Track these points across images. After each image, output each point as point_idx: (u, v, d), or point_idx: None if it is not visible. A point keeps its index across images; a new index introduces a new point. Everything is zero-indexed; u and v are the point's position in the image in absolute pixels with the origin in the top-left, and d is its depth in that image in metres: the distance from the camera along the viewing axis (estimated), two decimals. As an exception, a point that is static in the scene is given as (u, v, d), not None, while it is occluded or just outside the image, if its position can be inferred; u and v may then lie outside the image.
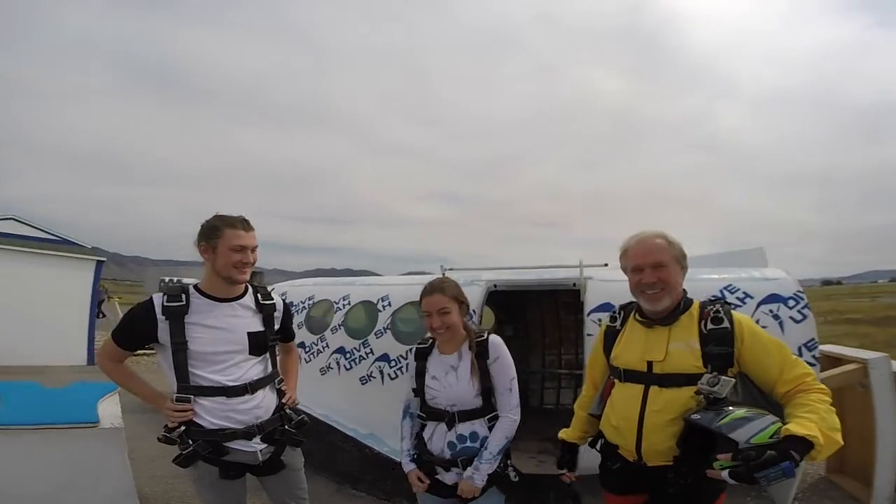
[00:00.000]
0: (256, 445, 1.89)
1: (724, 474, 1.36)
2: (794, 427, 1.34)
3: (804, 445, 1.30)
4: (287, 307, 2.17)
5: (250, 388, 1.88)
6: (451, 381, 1.95)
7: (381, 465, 3.53)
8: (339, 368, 4.13)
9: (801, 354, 2.82)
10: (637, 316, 1.81)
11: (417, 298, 3.94)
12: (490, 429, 1.94)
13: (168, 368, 1.85)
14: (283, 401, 2.03)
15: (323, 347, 4.31)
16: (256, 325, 1.96)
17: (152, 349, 1.89)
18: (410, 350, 2.09)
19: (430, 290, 1.99)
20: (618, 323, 1.90)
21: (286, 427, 1.98)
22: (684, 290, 1.76)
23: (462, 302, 2.02)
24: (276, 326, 2.07)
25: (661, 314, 1.72)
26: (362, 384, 3.93)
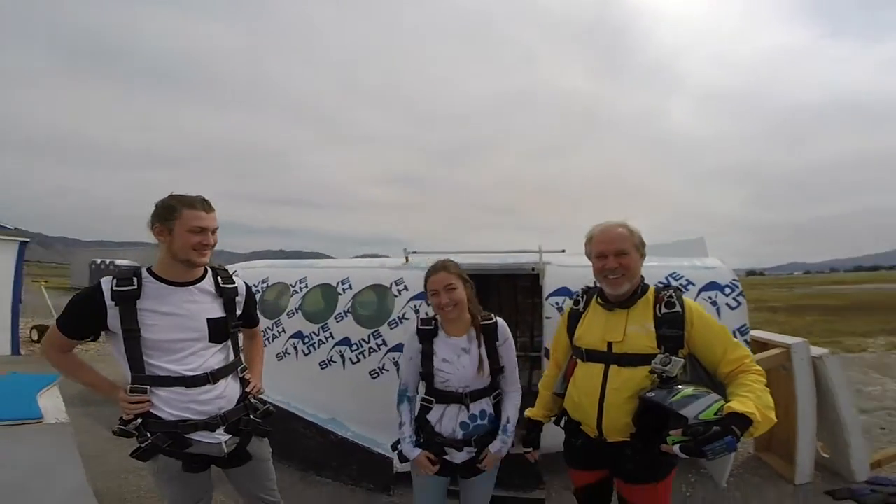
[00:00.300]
0: (220, 437, 1.82)
1: (676, 448, 1.49)
2: (735, 405, 1.49)
3: (744, 421, 1.45)
4: (250, 291, 2.06)
5: (212, 377, 1.79)
6: (465, 363, 1.97)
7: (345, 450, 3.52)
8: (296, 354, 4.04)
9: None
10: (599, 299, 1.93)
11: (378, 282, 3.94)
12: (494, 406, 2.04)
13: (121, 358, 1.73)
14: (248, 390, 1.96)
15: (279, 332, 4.19)
16: (217, 311, 1.86)
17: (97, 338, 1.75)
18: (414, 333, 2.05)
19: (435, 269, 2.00)
20: (581, 306, 2.01)
21: (251, 417, 1.92)
22: (642, 276, 1.89)
23: (467, 280, 2.03)
24: (239, 312, 1.96)
25: (620, 298, 1.84)
26: (322, 369, 3.87)
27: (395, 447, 2.11)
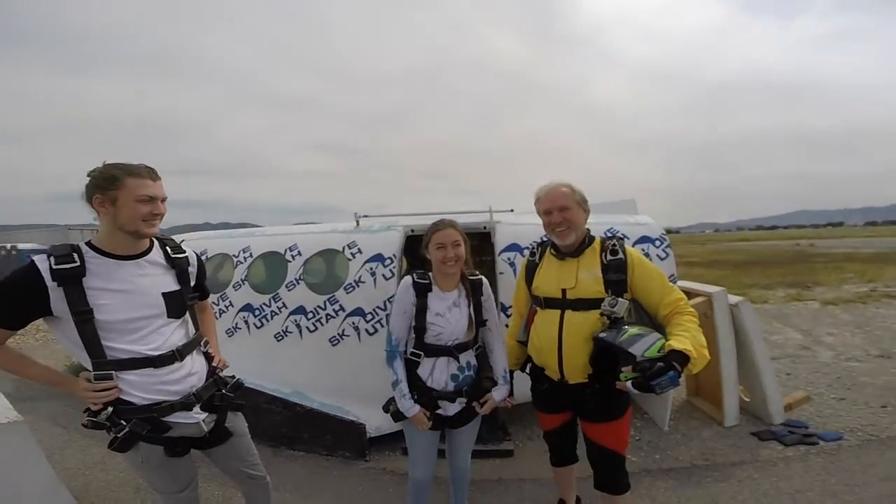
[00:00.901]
0: (198, 415, 1.73)
1: (629, 385, 1.65)
2: (674, 342, 1.67)
3: (683, 358, 1.62)
4: (200, 260, 1.94)
5: (178, 354, 1.69)
6: (456, 316, 2.04)
7: (316, 421, 3.46)
8: (248, 327, 3.89)
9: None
10: (552, 251, 2.08)
11: (329, 246, 3.83)
12: (477, 357, 2.12)
13: (73, 345, 1.57)
14: (214, 364, 1.88)
15: (226, 307, 4.00)
16: (171, 284, 1.74)
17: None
18: (409, 286, 2.05)
19: (443, 225, 2.06)
20: (536, 257, 2.16)
21: (223, 391, 1.84)
22: (587, 228, 2.05)
23: (466, 240, 2.08)
24: (192, 283, 1.84)
25: (570, 248, 1.99)
26: (278, 341, 3.77)
27: (387, 408, 2.12)
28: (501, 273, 3.50)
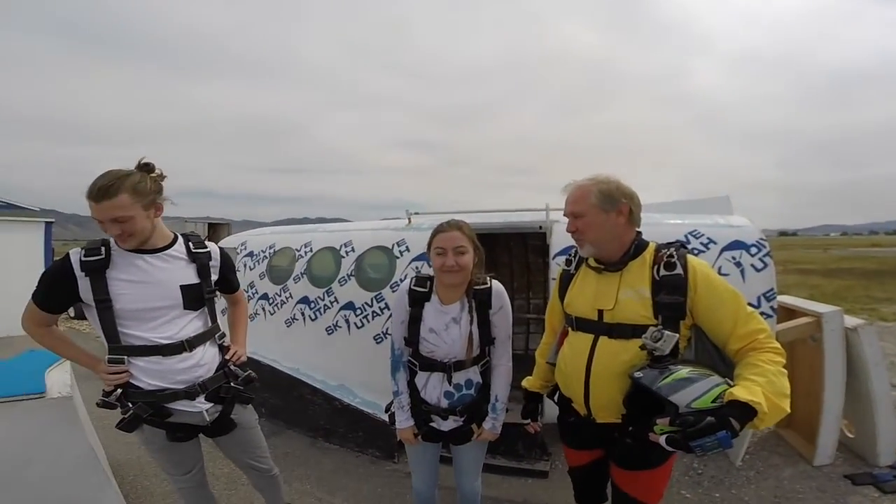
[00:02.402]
0: (201, 405, 1.80)
1: (662, 440, 1.29)
2: (739, 391, 1.26)
3: (747, 412, 1.23)
4: (225, 255, 1.99)
5: (188, 345, 1.75)
6: (454, 335, 1.83)
7: (351, 417, 3.53)
8: (304, 319, 4.02)
9: (759, 304, 2.83)
10: (590, 261, 1.73)
11: (380, 243, 3.85)
12: (482, 374, 1.92)
13: (98, 329, 1.70)
14: (227, 357, 1.92)
15: (287, 298, 4.18)
16: (190, 277, 1.80)
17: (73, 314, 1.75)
18: (405, 292, 1.89)
19: (448, 226, 1.83)
20: (572, 267, 1.82)
21: (232, 384, 1.88)
22: (638, 232, 1.66)
23: (478, 247, 1.86)
24: (214, 277, 1.90)
25: (608, 259, 1.64)
26: (328, 334, 3.84)
27: (387, 408, 2.04)
28: (554, 279, 3.21)
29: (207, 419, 1.82)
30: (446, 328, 1.83)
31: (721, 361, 1.50)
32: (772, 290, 2.98)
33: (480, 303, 1.85)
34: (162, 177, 1.74)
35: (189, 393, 1.75)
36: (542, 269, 5.11)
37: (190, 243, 1.84)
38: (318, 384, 3.74)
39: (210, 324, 1.86)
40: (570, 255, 1.88)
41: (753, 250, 3.09)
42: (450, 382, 1.86)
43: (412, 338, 1.86)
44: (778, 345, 1.43)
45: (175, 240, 1.82)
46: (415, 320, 1.86)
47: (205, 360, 1.81)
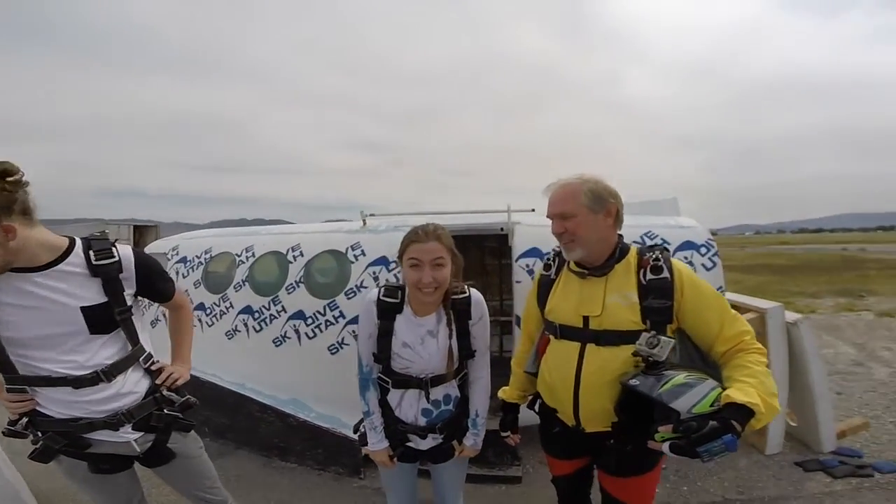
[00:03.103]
0: (128, 435, 1.54)
1: (665, 447, 1.25)
2: (735, 393, 1.25)
3: (745, 413, 1.22)
4: (143, 260, 1.60)
5: (104, 375, 1.48)
6: (431, 349, 1.65)
7: (308, 433, 3.28)
8: (247, 330, 3.67)
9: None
10: (572, 265, 1.65)
11: (332, 247, 3.61)
12: (459, 387, 1.76)
13: None
14: (158, 381, 1.63)
15: (227, 308, 3.80)
16: (93, 296, 1.47)
17: None
18: (372, 302, 1.68)
19: (425, 235, 1.59)
20: (552, 272, 1.73)
21: (165, 411, 1.62)
22: (620, 235, 1.61)
23: (456, 255, 1.66)
24: (130, 291, 1.56)
25: (591, 263, 1.57)
26: (276, 346, 3.54)
27: (356, 429, 1.84)
28: (518, 282, 3.16)
29: (138, 449, 1.58)
30: (422, 342, 1.66)
31: (703, 363, 1.48)
32: (721, 287, 3.11)
33: (459, 313, 1.69)
34: (20, 183, 1.34)
35: (110, 423, 1.50)
36: (498, 271, 5.08)
37: (91, 252, 1.48)
38: (268, 400, 3.44)
39: (130, 347, 1.57)
40: (548, 259, 1.78)
41: (703, 250, 3.21)
42: (427, 399, 1.70)
43: (383, 353, 1.68)
44: (761, 346, 1.44)
45: (69, 250, 1.46)
46: (385, 334, 1.66)
47: (127, 388, 1.55)
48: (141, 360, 1.60)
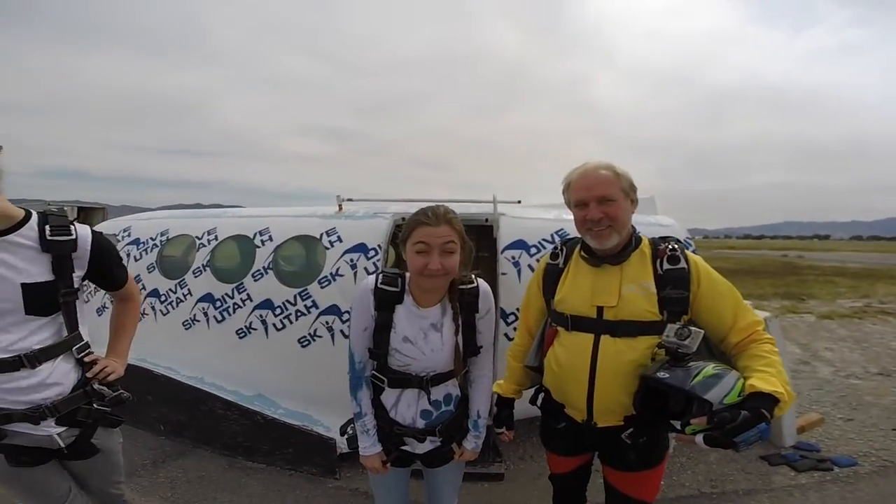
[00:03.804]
0: (50, 429, 1.45)
1: (699, 439, 1.22)
2: (759, 383, 1.25)
3: (771, 402, 1.21)
4: (100, 242, 1.54)
5: (27, 360, 1.38)
6: (435, 344, 1.51)
7: (277, 432, 3.06)
8: (207, 320, 3.41)
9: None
10: (582, 253, 1.58)
11: (305, 232, 3.39)
12: (460, 386, 1.62)
13: None
14: (90, 374, 1.51)
15: (184, 295, 3.52)
16: (39, 272, 1.39)
17: None
18: (369, 292, 1.52)
19: (435, 217, 1.44)
20: (560, 261, 1.65)
21: (95, 406, 1.51)
22: (633, 226, 1.58)
23: (465, 241, 1.51)
24: (80, 272, 1.48)
25: (610, 252, 1.52)
26: (240, 338, 3.29)
27: (344, 430, 1.70)
28: (504, 274, 3.06)
29: (61, 443, 1.48)
30: (425, 336, 1.51)
31: (710, 354, 1.46)
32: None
33: (465, 306, 1.55)
34: None
35: (30, 416, 1.40)
36: (479, 263, 4.99)
37: (48, 227, 1.40)
38: (231, 395, 3.19)
39: (66, 333, 1.47)
40: (556, 248, 1.71)
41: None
42: (428, 400, 1.55)
43: (380, 349, 1.52)
44: (771, 336, 1.45)
45: (24, 221, 1.39)
46: (383, 328, 1.51)
47: (54, 378, 1.44)
48: (75, 349, 1.50)
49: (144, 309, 3.67)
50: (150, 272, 3.72)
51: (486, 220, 3.24)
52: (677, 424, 1.30)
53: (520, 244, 3.11)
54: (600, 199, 1.49)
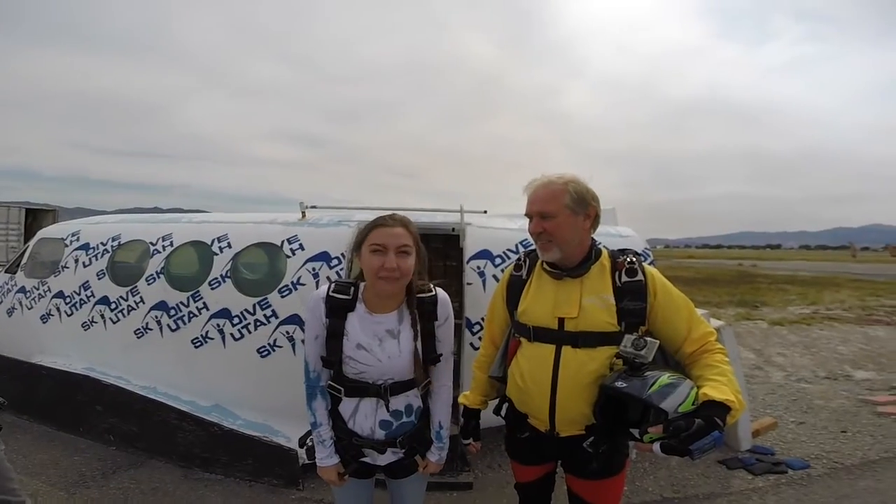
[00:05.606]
0: None
1: (656, 448, 1.23)
2: (712, 391, 1.28)
3: (722, 410, 1.25)
4: None
5: None
6: (392, 351, 1.49)
7: (236, 443, 2.95)
8: (160, 329, 3.26)
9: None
10: (545, 266, 1.60)
11: (266, 239, 3.30)
12: (423, 397, 1.60)
13: None
14: None
15: (136, 303, 3.36)
16: None
17: None
18: (320, 300, 1.51)
19: (392, 221, 1.48)
20: (523, 272, 1.66)
21: None
22: (594, 238, 1.60)
23: (420, 247, 1.52)
24: None
25: (566, 264, 1.54)
26: (196, 347, 3.16)
27: (303, 442, 1.64)
28: (469, 283, 3.06)
29: None
30: (380, 343, 1.49)
31: (666, 363, 1.50)
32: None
33: (424, 314, 1.54)
34: None
35: None
36: (443, 272, 4.98)
37: None
38: (185, 406, 3.05)
39: None
40: (518, 259, 1.72)
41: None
42: (387, 409, 1.52)
43: (333, 356, 1.49)
44: (722, 346, 1.49)
45: None
46: (334, 335, 1.49)
47: None
48: None
49: (93, 317, 3.48)
50: (99, 279, 3.52)
51: (453, 229, 3.24)
52: (636, 433, 1.32)
53: (485, 254, 3.12)
54: (541, 215, 1.52)
